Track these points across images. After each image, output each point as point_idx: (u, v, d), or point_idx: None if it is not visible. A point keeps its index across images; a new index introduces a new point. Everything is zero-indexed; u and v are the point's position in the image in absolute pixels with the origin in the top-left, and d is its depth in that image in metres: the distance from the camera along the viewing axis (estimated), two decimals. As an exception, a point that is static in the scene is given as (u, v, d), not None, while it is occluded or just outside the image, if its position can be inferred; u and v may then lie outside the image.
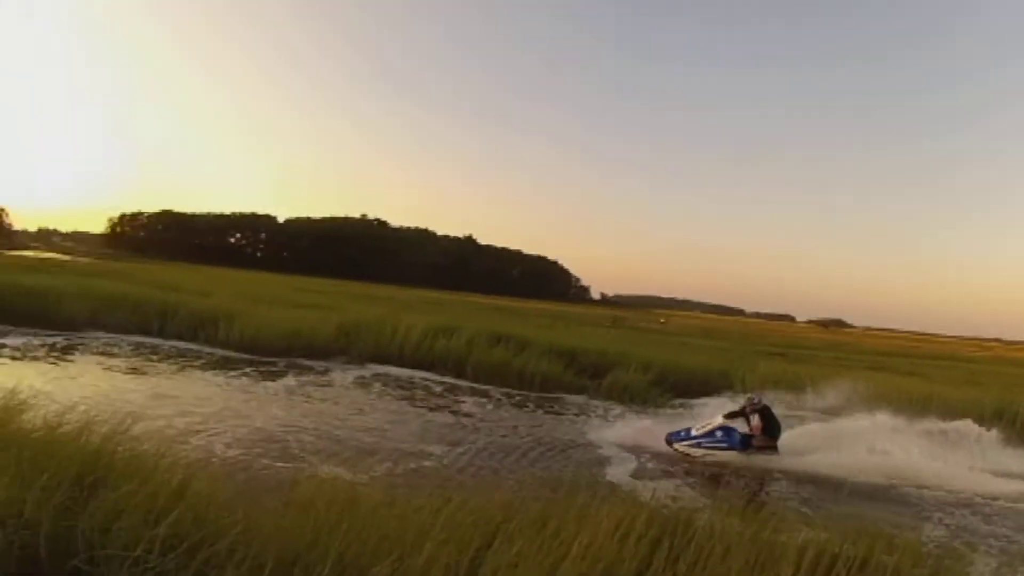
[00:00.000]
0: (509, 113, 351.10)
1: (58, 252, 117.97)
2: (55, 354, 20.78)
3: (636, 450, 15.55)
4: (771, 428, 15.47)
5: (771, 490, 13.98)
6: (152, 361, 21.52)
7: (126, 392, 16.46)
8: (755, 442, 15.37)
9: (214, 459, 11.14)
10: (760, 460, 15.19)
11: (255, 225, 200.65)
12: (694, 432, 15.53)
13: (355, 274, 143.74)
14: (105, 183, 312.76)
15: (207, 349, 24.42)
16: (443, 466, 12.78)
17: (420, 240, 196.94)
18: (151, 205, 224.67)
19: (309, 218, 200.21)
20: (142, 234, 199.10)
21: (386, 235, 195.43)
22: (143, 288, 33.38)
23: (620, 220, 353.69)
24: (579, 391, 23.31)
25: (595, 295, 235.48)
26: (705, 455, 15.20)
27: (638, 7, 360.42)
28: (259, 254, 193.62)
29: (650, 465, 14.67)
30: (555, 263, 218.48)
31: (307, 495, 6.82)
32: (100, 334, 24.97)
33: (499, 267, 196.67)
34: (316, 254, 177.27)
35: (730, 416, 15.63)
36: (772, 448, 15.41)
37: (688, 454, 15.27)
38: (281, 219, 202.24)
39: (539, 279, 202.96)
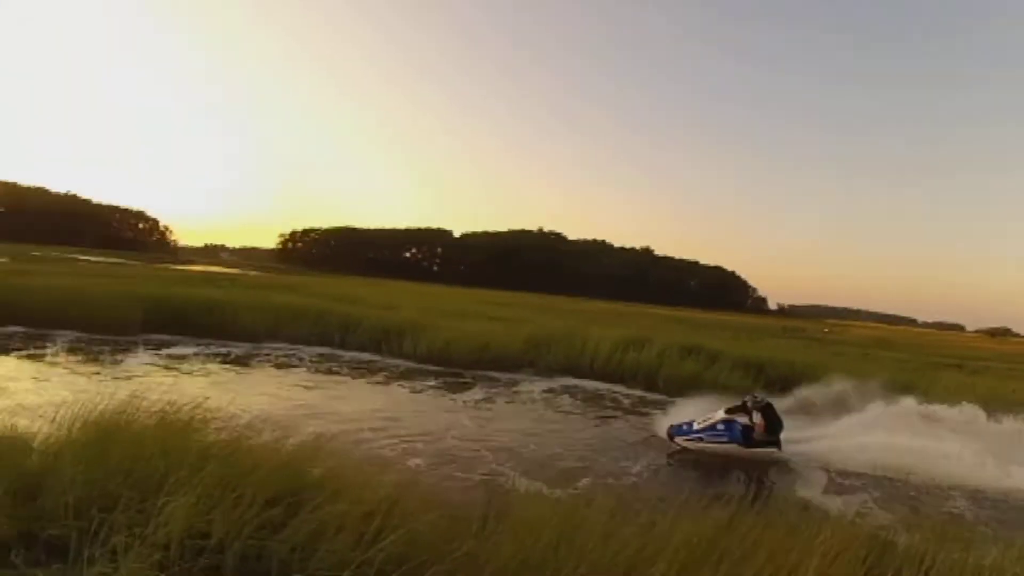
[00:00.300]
0: (684, 127, 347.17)
1: (227, 267, 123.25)
2: (234, 365, 21.37)
3: (826, 466, 15.43)
4: (773, 425, 15.69)
5: (954, 507, 13.28)
6: (335, 372, 21.85)
7: (310, 403, 16.74)
8: (756, 436, 15.63)
9: (414, 474, 10.90)
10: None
11: (431, 240, 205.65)
12: (696, 426, 15.88)
13: (533, 287, 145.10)
14: (269, 200, 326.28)
15: (391, 361, 24.67)
16: (643, 481, 12.65)
17: (597, 252, 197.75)
18: (319, 221, 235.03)
19: (486, 232, 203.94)
20: (315, 249, 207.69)
21: (563, 247, 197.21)
22: (322, 301, 34.30)
23: (794, 230, 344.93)
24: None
25: (772, 305, 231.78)
26: (705, 448, 15.59)
27: (815, 32, 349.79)
28: (435, 268, 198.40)
29: (839, 480, 14.53)
30: (732, 273, 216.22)
31: (525, 514, 6.67)
32: (280, 345, 25.66)
33: (676, 278, 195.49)
34: (493, 267, 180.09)
35: (732, 411, 15.92)
36: (774, 443, 15.68)
37: (689, 448, 15.66)
38: (457, 233, 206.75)
39: (717, 290, 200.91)
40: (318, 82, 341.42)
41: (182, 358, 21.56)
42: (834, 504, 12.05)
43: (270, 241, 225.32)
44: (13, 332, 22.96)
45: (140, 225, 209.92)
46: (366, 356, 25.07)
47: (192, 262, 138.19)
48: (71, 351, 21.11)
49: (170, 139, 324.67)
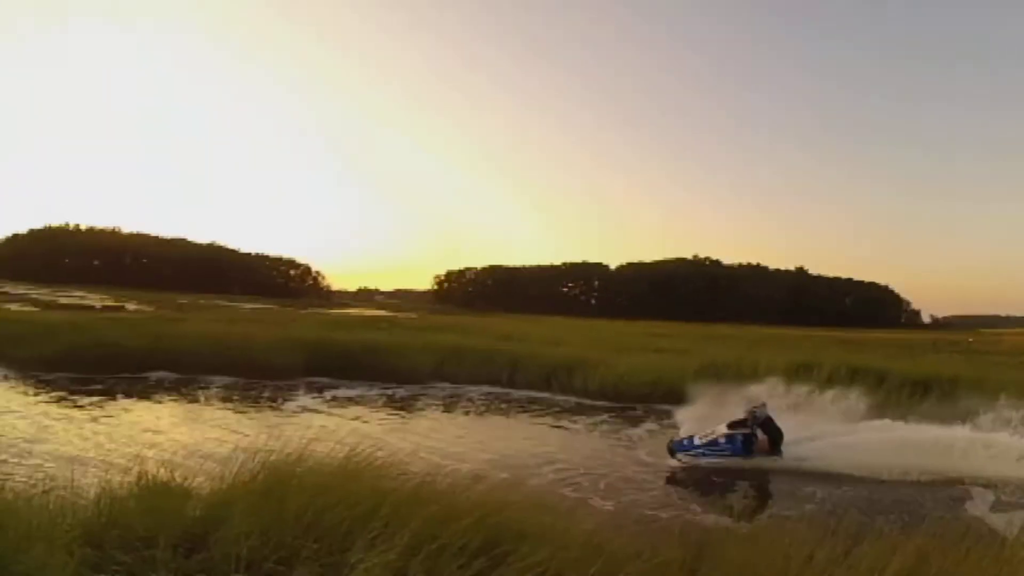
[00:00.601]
0: (829, 143, 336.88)
1: (383, 309, 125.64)
2: (401, 407, 21.47)
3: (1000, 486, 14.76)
4: (775, 438, 15.83)
5: None
6: (505, 412, 21.71)
7: (487, 444, 16.65)
8: (757, 447, 15.75)
9: (608, 516, 10.87)
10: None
11: (587, 273, 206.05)
12: (697, 441, 15.93)
13: (690, 315, 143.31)
14: (419, 242, 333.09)
15: (561, 397, 24.38)
16: (826, 511, 11.60)
17: (753, 276, 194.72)
18: (471, 261, 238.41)
19: (641, 262, 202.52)
20: (470, 288, 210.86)
21: (719, 273, 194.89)
22: (485, 339, 34.47)
23: (941, 237, 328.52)
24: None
25: (925, 318, 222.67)
26: (708, 463, 15.57)
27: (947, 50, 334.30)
28: (593, 301, 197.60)
29: (1004, 498, 13.97)
30: (886, 288, 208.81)
31: (735, 556, 6.52)
32: (445, 385, 25.67)
33: (831, 297, 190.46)
34: (651, 298, 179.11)
35: (734, 425, 15.93)
36: (775, 452, 15.76)
37: (690, 463, 15.62)
38: (612, 266, 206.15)
39: (871, 306, 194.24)
40: (460, 122, 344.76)
41: (346, 401, 21.75)
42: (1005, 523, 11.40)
43: (422, 282, 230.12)
44: (163, 378, 23.54)
45: (291, 272, 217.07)
46: (535, 394, 24.84)
47: (347, 306, 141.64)
48: (227, 395, 21.54)
49: (315, 186, 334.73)
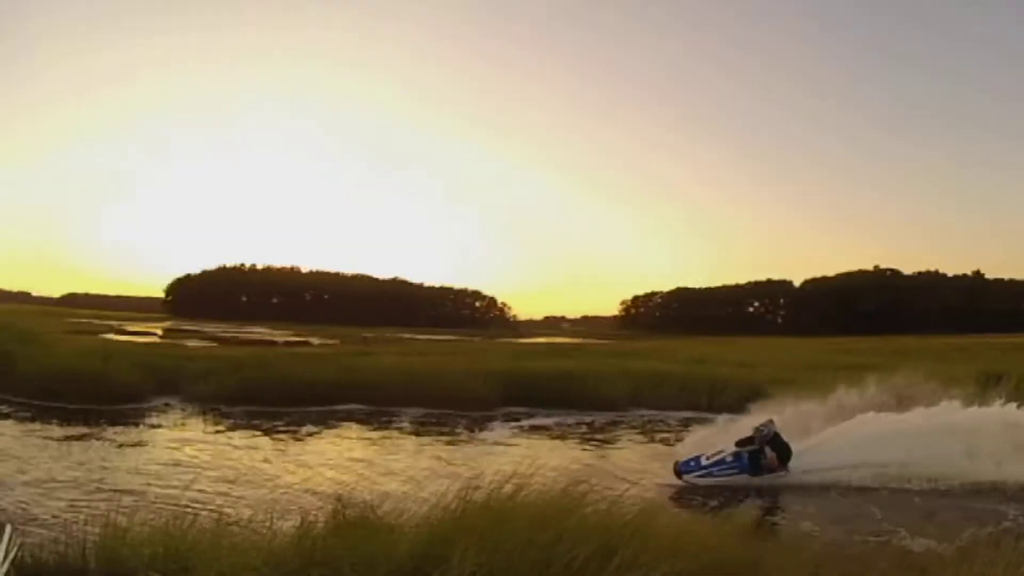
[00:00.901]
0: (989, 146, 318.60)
1: (570, 337, 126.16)
2: (599, 434, 21.55)
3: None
4: (784, 455, 15.76)
5: None
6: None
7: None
8: (765, 464, 15.66)
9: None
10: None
11: (772, 291, 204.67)
12: (704, 462, 15.84)
13: (874, 328, 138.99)
14: (601, 268, 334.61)
15: None
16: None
17: (931, 284, 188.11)
18: (653, 285, 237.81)
19: (824, 276, 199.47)
20: (657, 313, 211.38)
21: (899, 284, 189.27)
22: (680, 364, 34.43)
23: None
24: None
25: None
26: (716, 483, 15.51)
27: None
28: (779, 320, 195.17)
29: None
30: None
31: None
32: (643, 412, 25.54)
33: (1011, 301, 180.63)
34: (835, 313, 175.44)
35: (741, 443, 15.92)
36: (783, 469, 15.73)
37: (698, 484, 15.49)
38: (796, 282, 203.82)
39: None
40: (627, 158, 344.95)
41: (543, 430, 21.87)
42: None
43: (607, 308, 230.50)
44: (353, 410, 23.81)
45: (476, 303, 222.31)
46: (737, 416, 23.95)
47: (534, 335, 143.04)
48: (420, 427, 21.75)
49: (495, 220, 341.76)
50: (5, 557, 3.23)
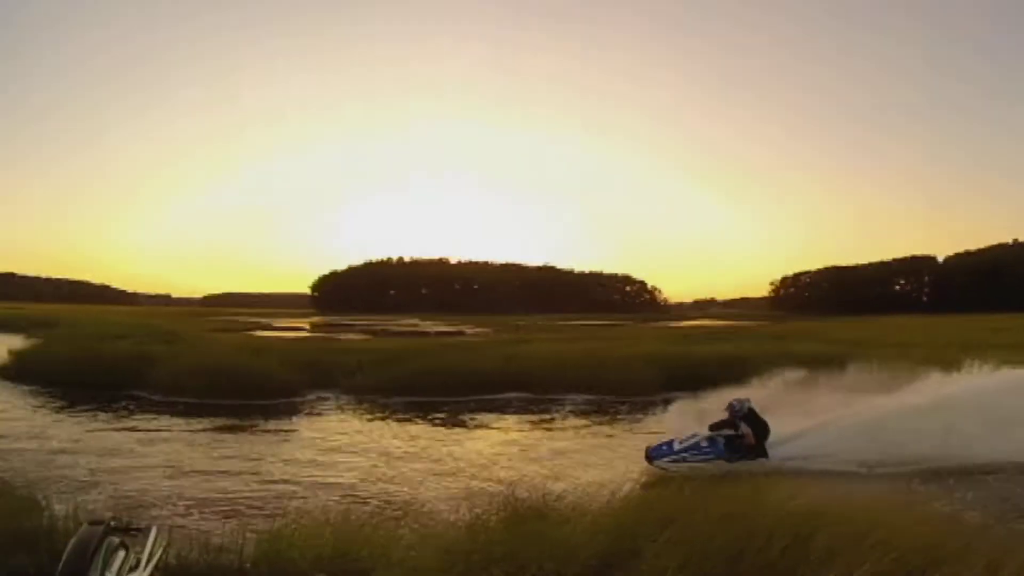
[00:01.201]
0: None
1: (721, 320, 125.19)
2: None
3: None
4: (760, 432, 15.10)
5: None
6: None
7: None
8: (742, 446, 15.04)
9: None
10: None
11: (917, 268, 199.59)
12: (677, 446, 15.15)
13: (1019, 305, 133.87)
14: (753, 247, 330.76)
15: None
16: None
17: None
18: (804, 263, 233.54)
19: (967, 251, 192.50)
20: (808, 293, 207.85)
21: None
22: (837, 346, 33.75)
23: None
24: None
25: None
26: (689, 469, 14.51)
27: None
28: (924, 298, 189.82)
29: None
30: None
31: None
32: None
33: None
34: (981, 289, 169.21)
35: (716, 427, 15.30)
36: (760, 452, 15.07)
37: (668, 470, 14.66)
38: (940, 258, 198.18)
39: None
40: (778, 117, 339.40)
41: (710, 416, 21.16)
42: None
43: (758, 290, 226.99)
44: (514, 398, 23.80)
45: (627, 288, 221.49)
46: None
47: (687, 318, 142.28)
48: (583, 413, 21.65)
49: (636, 209, 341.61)
50: (149, 560, 3.05)
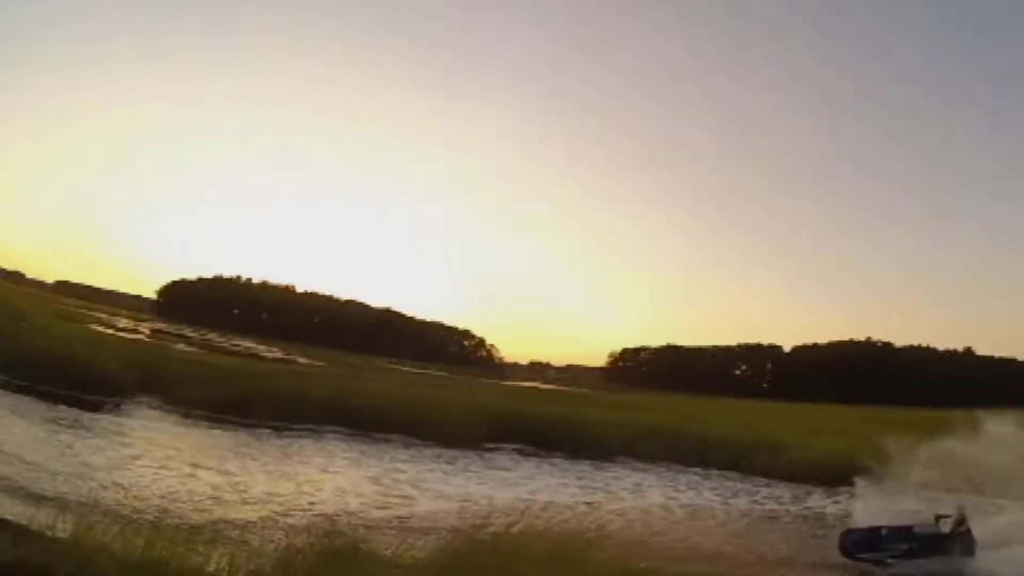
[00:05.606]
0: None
1: (554, 384, 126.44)
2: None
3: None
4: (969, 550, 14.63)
5: None
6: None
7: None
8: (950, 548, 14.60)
9: None
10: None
11: (760, 356, 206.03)
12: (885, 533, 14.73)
13: (860, 398, 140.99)
14: (589, 318, 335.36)
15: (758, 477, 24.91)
16: None
17: (923, 358, 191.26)
18: (641, 340, 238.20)
19: (815, 344, 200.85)
20: (645, 368, 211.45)
21: (887, 356, 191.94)
22: (672, 418, 34.88)
23: None
24: None
25: None
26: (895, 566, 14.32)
27: None
28: (765, 385, 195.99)
29: None
30: None
31: None
32: (640, 464, 25.24)
33: (1000, 376, 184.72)
34: (820, 382, 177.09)
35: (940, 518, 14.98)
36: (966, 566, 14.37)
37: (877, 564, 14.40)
38: (787, 348, 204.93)
39: None
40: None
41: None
42: None
43: (591, 359, 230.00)
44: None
45: (465, 342, 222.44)
46: (731, 475, 25.06)
47: (519, 378, 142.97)
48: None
49: (485, 262, 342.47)
50: None
